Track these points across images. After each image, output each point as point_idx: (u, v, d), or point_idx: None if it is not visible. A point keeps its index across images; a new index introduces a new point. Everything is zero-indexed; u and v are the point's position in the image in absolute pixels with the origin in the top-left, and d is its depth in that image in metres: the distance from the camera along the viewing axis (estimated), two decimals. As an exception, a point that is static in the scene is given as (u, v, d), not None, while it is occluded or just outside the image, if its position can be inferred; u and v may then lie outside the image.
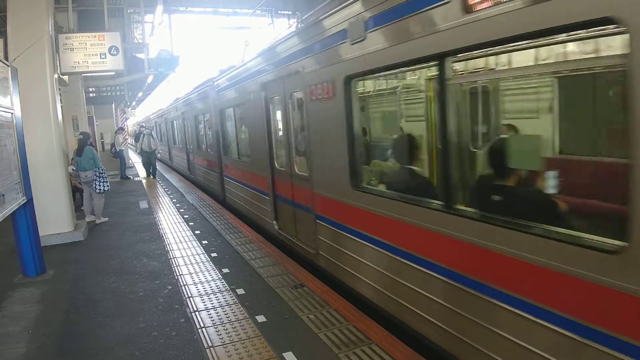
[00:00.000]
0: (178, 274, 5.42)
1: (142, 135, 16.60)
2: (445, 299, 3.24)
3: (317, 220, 5.13)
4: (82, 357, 3.66)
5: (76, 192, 9.37)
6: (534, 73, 3.53)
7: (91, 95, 15.84)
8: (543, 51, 3.16)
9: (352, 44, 3.98)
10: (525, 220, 2.67)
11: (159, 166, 18.14)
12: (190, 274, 5.42)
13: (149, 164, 16.16)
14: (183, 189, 12.89)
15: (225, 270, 5.45)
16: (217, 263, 5.76)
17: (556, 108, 3.78)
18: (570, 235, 2.45)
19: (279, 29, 14.53)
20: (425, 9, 3.09)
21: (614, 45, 2.54)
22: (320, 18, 4.66)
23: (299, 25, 4.91)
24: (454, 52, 2.98)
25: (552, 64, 3.26)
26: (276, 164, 6.50)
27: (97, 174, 8.44)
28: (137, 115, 42.61)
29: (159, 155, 16.75)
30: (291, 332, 3.79)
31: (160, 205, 10.40)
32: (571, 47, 3.03)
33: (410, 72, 4.30)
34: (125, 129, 21.20)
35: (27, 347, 3.85)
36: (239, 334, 3.79)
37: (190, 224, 8.17)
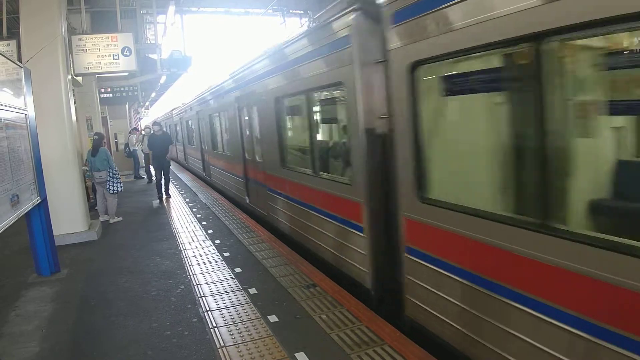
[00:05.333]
0: (191, 274, 5.43)
1: (143, 136, 15.79)
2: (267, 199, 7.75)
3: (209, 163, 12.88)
4: (94, 356, 3.66)
5: (90, 191, 9.46)
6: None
7: (105, 95, 16.02)
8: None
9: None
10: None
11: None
12: (202, 273, 5.42)
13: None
14: (196, 188, 12.94)
15: (238, 270, 5.43)
16: (230, 262, 5.74)
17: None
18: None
19: (291, 29, 14.56)
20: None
21: None
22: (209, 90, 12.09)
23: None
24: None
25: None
26: (192, 143, 13.80)
27: (111, 174, 8.53)
28: (150, 115, 42.82)
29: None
30: (303, 333, 3.75)
31: (173, 205, 10.45)
32: None
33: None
34: (139, 129, 21.38)
35: (40, 346, 3.87)
36: (251, 334, 3.76)
37: (203, 223, 8.19)
